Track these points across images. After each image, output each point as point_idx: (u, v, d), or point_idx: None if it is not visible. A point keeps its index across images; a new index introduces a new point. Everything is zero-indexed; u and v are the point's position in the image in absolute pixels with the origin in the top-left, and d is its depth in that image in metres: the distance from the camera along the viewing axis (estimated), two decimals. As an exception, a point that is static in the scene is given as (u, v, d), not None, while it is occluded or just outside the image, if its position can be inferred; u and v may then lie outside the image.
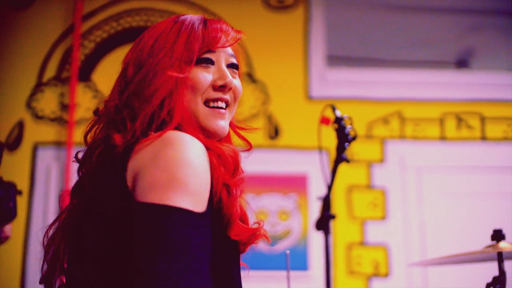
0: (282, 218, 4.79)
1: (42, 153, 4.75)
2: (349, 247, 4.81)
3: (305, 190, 4.82)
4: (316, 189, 4.63)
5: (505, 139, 5.11)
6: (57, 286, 1.70)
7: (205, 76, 1.68)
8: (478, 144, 5.10)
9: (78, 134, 4.71)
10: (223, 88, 1.71)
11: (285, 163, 4.81)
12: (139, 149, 1.50)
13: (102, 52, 4.99)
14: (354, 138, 3.14)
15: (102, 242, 1.48)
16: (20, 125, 4.78)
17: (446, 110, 5.13)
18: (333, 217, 3.14)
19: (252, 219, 1.73)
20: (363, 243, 4.84)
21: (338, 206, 4.76)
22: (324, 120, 3.24)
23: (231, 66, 1.76)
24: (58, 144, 4.75)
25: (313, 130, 3.72)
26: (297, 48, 5.14)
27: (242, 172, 1.70)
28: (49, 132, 4.78)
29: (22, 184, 4.53)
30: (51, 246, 1.69)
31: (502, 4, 5.53)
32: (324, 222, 3.14)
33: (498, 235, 2.49)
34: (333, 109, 3.21)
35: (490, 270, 2.48)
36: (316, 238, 4.57)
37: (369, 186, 4.95)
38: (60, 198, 4.53)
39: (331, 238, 3.29)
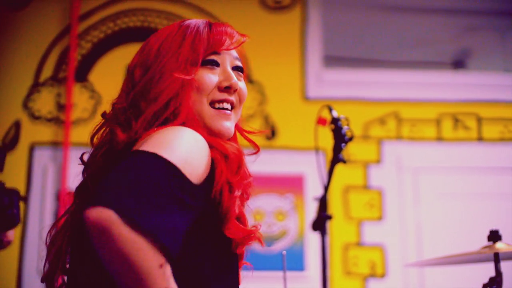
0: (278, 219, 4.79)
1: (38, 153, 4.74)
2: (346, 248, 4.81)
3: (302, 191, 4.82)
4: (313, 189, 4.63)
5: (502, 139, 5.12)
6: (58, 285, 1.70)
7: (210, 78, 1.71)
8: (474, 144, 5.11)
9: (74, 135, 4.71)
10: (229, 89, 1.73)
11: (281, 163, 4.81)
12: (141, 140, 1.53)
13: (99, 53, 4.98)
14: (350, 139, 3.14)
15: None
16: (17, 125, 4.77)
17: (443, 111, 5.13)
18: (329, 217, 3.14)
19: (250, 222, 1.74)
20: (359, 244, 4.84)
21: (334, 207, 4.76)
22: (321, 121, 3.24)
23: (236, 68, 1.79)
24: (55, 145, 4.74)
25: (309, 130, 3.72)
26: (293, 48, 5.14)
27: (250, 176, 1.73)
28: (45, 133, 4.78)
29: (19, 184, 4.52)
30: (53, 246, 1.69)
31: (498, 5, 5.54)
32: (320, 223, 3.14)
33: (494, 236, 2.49)
34: (330, 109, 3.21)
35: (487, 270, 2.49)
36: (313, 239, 4.57)
37: (366, 187, 4.95)
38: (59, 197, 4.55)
39: (328, 238, 3.28)
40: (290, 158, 4.83)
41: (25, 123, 4.79)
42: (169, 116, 1.63)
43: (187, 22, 1.77)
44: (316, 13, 5.21)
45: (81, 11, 5.03)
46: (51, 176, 4.68)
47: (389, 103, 5.11)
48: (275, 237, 4.73)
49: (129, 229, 1.25)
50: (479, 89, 5.22)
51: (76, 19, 4.98)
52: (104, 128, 1.72)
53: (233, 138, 1.84)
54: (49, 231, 1.74)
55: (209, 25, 1.76)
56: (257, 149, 1.88)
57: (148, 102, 1.65)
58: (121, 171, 1.36)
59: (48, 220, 4.55)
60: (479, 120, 5.14)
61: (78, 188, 1.71)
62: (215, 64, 1.73)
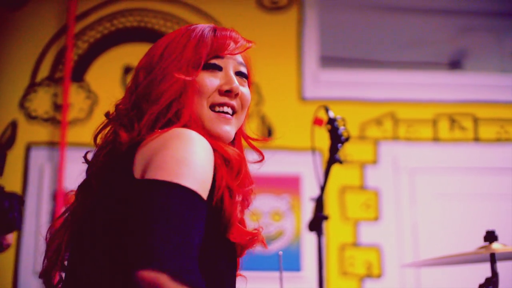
0: (275, 219, 4.79)
1: (35, 153, 4.74)
2: (342, 248, 4.81)
3: (298, 191, 4.82)
4: (309, 190, 4.63)
5: (498, 140, 5.12)
6: (55, 281, 1.71)
7: (211, 81, 1.71)
8: (471, 145, 5.11)
9: (71, 135, 4.70)
10: (229, 93, 1.73)
11: (278, 164, 4.80)
12: (146, 143, 1.53)
13: (96, 53, 4.98)
14: (347, 139, 3.15)
15: (107, 240, 1.49)
16: (13, 125, 4.77)
17: (439, 111, 5.14)
18: (326, 218, 3.15)
19: (248, 224, 1.75)
20: (356, 244, 4.84)
21: (331, 207, 4.76)
22: (317, 121, 3.24)
23: (239, 74, 1.79)
24: (51, 145, 4.74)
25: (306, 131, 3.72)
26: (290, 49, 5.14)
27: (252, 183, 1.75)
28: (42, 133, 4.77)
29: (15, 184, 4.52)
30: (53, 242, 1.69)
31: (494, 6, 5.55)
32: (317, 223, 3.14)
33: (490, 236, 2.49)
34: (326, 110, 3.22)
35: (483, 271, 2.49)
36: (309, 239, 4.57)
37: (362, 187, 4.95)
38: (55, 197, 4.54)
39: (324, 239, 3.28)
40: (286, 158, 4.83)
41: (21, 123, 4.79)
42: (171, 117, 1.64)
43: (193, 26, 1.78)
44: (313, 13, 5.21)
45: (78, 11, 5.02)
46: (48, 176, 4.68)
47: (385, 104, 5.11)
48: (272, 237, 4.72)
49: (178, 285, 1.29)
50: (476, 90, 5.22)
51: (73, 19, 4.98)
52: (107, 128, 1.73)
53: (238, 145, 1.85)
54: (49, 228, 1.75)
55: (214, 30, 1.76)
56: (262, 157, 1.89)
57: (150, 103, 1.65)
58: (155, 214, 1.37)
59: (45, 220, 4.55)
60: (476, 120, 5.15)
61: (80, 186, 1.72)
62: (217, 67, 1.73)
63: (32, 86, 4.87)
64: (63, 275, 1.69)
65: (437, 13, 5.54)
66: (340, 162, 3.13)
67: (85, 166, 1.74)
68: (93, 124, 1.77)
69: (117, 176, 1.55)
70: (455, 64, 5.69)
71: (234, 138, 1.83)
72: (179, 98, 1.65)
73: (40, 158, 4.73)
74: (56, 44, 4.96)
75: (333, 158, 3.13)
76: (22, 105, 4.82)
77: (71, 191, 1.77)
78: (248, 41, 1.80)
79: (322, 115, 3.23)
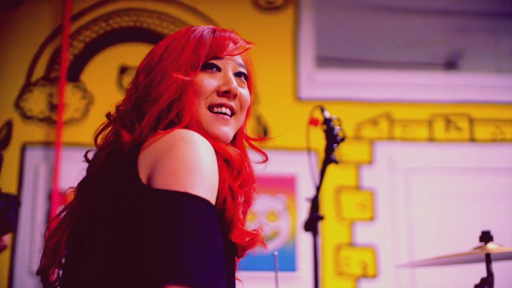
0: (270, 219, 4.79)
1: (30, 153, 4.73)
2: (338, 248, 4.82)
3: (294, 191, 4.82)
4: (305, 190, 4.63)
5: (494, 140, 5.13)
6: (53, 279, 1.71)
7: (209, 81, 1.71)
8: (466, 145, 5.12)
9: (66, 135, 4.70)
10: (228, 94, 1.73)
11: (273, 164, 4.79)
12: (150, 144, 1.53)
13: (91, 53, 4.97)
14: (342, 139, 3.15)
15: (107, 239, 1.49)
16: (9, 125, 4.76)
17: (435, 112, 5.14)
18: (321, 218, 3.15)
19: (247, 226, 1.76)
20: (351, 244, 4.84)
21: (326, 207, 4.76)
22: (313, 121, 3.24)
23: (238, 75, 1.79)
24: (47, 145, 4.73)
25: (302, 131, 3.72)
26: (286, 49, 5.14)
27: (254, 182, 1.79)
28: (37, 132, 4.76)
29: (10, 184, 4.52)
30: (51, 240, 1.69)
31: (490, 6, 5.55)
32: (312, 223, 3.14)
33: (486, 237, 2.50)
34: (322, 110, 3.22)
35: (478, 271, 2.49)
36: (305, 239, 4.57)
37: (358, 187, 4.96)
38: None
39: (320, 239, 3.29)
40: (282, 158, 4.82)
41: (17, 123, 4.78)
42: (173, 119, 1.64)
43: (193, 27, 1.78)
44: (309, 13, 5.21)
45: (74, 11, 5.02)
46: (43, 176, 4.67)
47: (381, 104, 5.11)
48: (267, 237, 4.72)
49: None
50: (471, 90, 5.23)
51: (68, 19, 4.97)
52: (108, 129, 1.73)
53: (239, 145, 1.86)
54: (48, 225, 1.75)
55: (214, 31, 1.77)
56: (265, 157, 1.90)
57: (150, 103, 1.65)
58: (175, 227, 1.37)
59: (40, 220, 4.54)
60: (471, 121, 5.15)
61: (80, 184, 1.72)
62: (216, 68, 1.73)
63: (28, 86, 4.86)
64: (60, 272, 1.69)
65: (433, 13, 5.55)
66: (336, 162, 3.13)
67: (81, 165, 1.74)
68: (88, 124, 1.78)
69: (119, 176, 1.54)
70: (451, 65, 5.69)
71: (235, 139, 1.84)
72: (179, 99, 1.65)
73: (35, 158, 4.72)
74: (52, 44, 4.95)
75: (328, 158, 3.13)
76: (17, 105, 4.81)
77: (70, 187, 1.76)
78: (248, 42, 1.80)
79: (318, 115, 3.23)
